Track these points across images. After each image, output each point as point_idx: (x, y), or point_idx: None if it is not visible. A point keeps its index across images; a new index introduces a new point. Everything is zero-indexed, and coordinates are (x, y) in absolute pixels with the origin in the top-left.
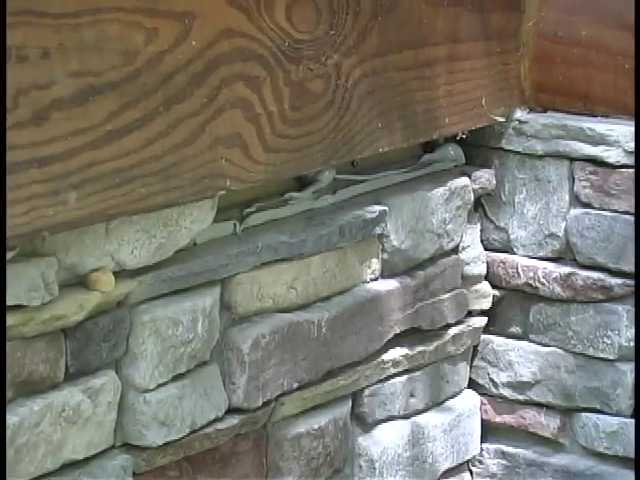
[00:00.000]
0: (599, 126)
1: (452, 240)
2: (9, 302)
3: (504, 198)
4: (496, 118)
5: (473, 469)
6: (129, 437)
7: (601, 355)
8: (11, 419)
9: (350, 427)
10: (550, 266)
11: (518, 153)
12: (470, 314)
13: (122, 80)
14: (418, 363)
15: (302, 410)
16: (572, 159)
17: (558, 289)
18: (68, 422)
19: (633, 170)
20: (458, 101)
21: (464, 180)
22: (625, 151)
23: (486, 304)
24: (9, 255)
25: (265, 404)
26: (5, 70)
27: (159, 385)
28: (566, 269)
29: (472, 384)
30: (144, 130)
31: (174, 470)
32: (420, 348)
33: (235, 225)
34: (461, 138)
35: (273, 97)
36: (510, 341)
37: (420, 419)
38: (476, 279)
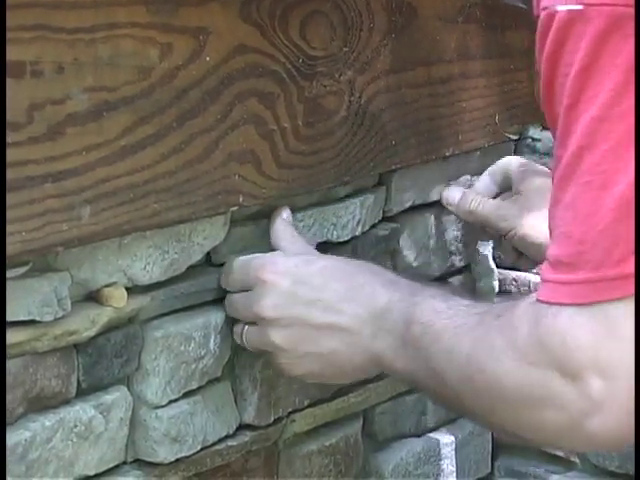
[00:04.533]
0: None
1: (464, 257)
2: (21, 317)
3: None
4: (509, 135)
5: None
6: (140, 453)
7: None
8: (23, 434)
9: (361, 444)
10: None
11: None
12: None
13: (136, 96)
14: None
15: (313, 427)
16: None
17: None
18: (80, 438)
19: None
20: (471, 118)
21: None
22: None
23: None
24: (22, 270)
25: (276, 421)
26: (5, 82)
27: (171, 401)
28: None
29: None
30: (158, 146)
31: None
32: None
33: None
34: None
35: (287, 113)
36: None
37: (431, 437)
38: (488, 297)
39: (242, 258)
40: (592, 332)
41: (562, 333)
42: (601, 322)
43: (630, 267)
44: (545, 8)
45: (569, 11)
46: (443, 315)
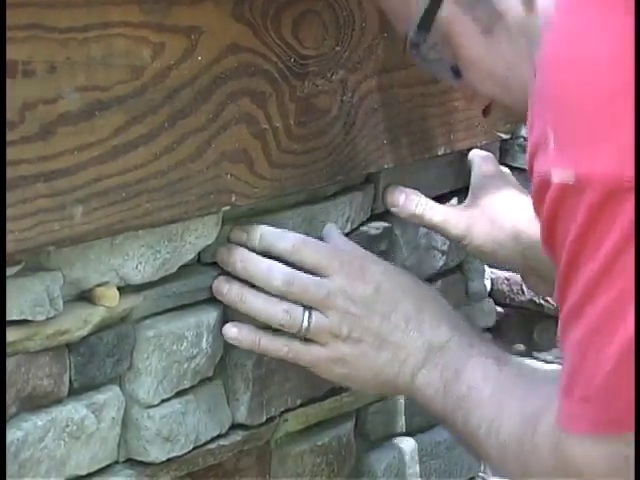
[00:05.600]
0: None
1: (456, 257)
2: (14, 317)
3: None
4: (501, 135)
5: None
6: (133, 452)
7: None
8: (15, 434)
9: (354, 444)
10: None
11: (523, 170)
12: None
13: (128, 95)
14: None
15: (306, 426)
16: None
17: None
18: (72, 437)
19: None
20: (464, 117)
21: None
22: None
23: (490, 321)
24: (14, 270)
25: (269, 420)
26: (5, 82)
27: (163, 401)
28: None
29: None
30: (150, 145)
31: None
32: None
33: None
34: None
35: (279, 113)
36: None
37: (423, 436)
38: (480, 296)
39: (325, 244)
40: (606, 461)
41: (579, 461)
42: (612, 452)
43: (631, 410)
44: (539, 174)
45: (562, 184)
46: (490, 383)
